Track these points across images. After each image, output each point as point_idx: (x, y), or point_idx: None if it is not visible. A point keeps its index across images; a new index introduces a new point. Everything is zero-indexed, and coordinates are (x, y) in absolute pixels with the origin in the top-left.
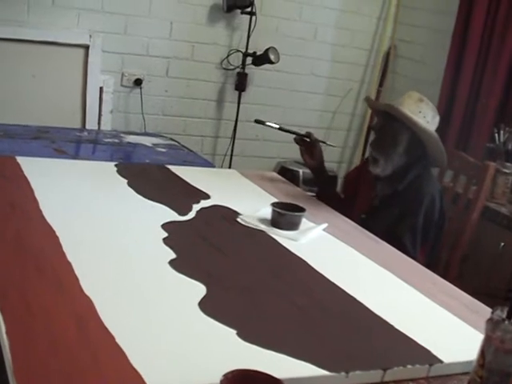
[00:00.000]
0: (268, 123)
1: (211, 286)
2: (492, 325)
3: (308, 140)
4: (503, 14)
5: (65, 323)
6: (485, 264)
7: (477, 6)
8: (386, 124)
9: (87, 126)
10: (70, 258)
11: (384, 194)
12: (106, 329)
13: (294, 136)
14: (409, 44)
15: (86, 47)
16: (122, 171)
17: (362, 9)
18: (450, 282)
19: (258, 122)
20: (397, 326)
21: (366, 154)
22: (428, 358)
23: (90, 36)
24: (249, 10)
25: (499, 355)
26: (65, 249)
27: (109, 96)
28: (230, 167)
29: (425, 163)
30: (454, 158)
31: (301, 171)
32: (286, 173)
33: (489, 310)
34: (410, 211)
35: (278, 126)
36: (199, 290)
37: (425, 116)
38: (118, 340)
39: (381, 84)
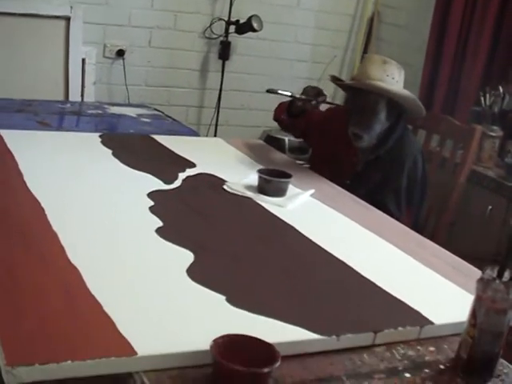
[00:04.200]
0: (280, 91)
1: (199, 253)
2: (483, 284)
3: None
4: None
5: (52, 293)
6: (473, 228)
7: None
8: (360, 99)
9: (70, 98)
10: (55, 228)
11: (367, 160)
12: (93, 297)
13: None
14: (393, 10)
15: (67, 19)
16: (106, 142)
17: None
18: (438, 244)
19: (269, 91)
20: (387, 289)
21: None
22: (419, 319)
23: (71, 7)
24: None
25: (491, 315)
26: (50, 220)
27: (91, 67)
28: (215, 137)
29: (403, 124)
30: (440, 122)
31: (286, 139)
32: (272, 141)
33: (477, 271)
34: (393, 174)
35: (290, 94)
36: (187, 257)
37: (393, 77)
38: (105, 308)
39: (365, 50)
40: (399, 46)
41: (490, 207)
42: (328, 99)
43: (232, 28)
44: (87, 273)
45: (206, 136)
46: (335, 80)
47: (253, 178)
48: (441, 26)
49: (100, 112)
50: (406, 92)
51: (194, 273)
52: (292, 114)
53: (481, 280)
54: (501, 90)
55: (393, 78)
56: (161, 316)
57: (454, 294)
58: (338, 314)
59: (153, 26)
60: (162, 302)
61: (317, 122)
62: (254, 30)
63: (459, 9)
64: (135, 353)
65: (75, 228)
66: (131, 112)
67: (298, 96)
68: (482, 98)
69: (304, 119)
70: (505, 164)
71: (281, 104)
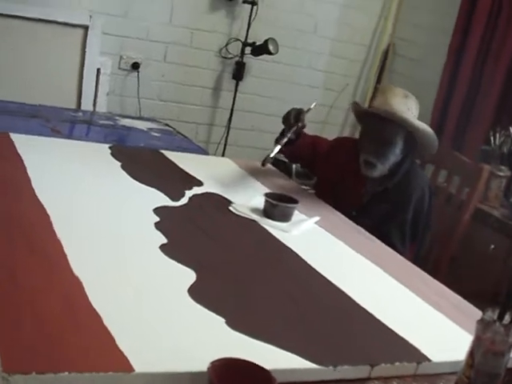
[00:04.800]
0: (271, 155)
1: (201, 273)
2: (483, 325)
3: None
4: (504, 18)
5: (52, 302)
6: (474, 265)
7: (478, 9)
8: (380, 128)
9: (82, 107)
10: (60, 236)
11: (374, 191)
12: (93, 309)
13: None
14: (408, 43)
15: (86, 28)
16: (115, 153)
17: (363, 5)
18: (438, 281)
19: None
20: (386, 323)
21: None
22: (416, 355)
23: (91, 16)
24: None
25: (488, 356)
26: (55, 227)
27: (106, 78)
28: (223, 156)
29: (412, 157)
30: (449, 158)
31: (294, 164)
32: (280, 165)
33: (478, 311)
34: (400, 207)
35: (279, 148)
36: (189, 276)
37: (412, 112)
38: (105, 321)
39: (378, 81)
40: (412, 79)
41: (493, 246)
42: (351, 122)
43: (248, 49)
44: (89, 284)
45: (215, 155)
46: (357, 107)
47: (259, 201)
48: (455, 62)
49: (111, 123)
50: (429, 128)
51: (195, 293)
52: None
53: (481, 321)
54: (511, 130)
55: (412, 113)
56: (160, 334)
57: (453, 332)
58: (336, 344)
59: (169, 41)
60: (162, 320)
61: (323, 152)
62: (270, 53)
63: (474, 47)
64: (132, 369)
65: (79, 238)
66: (142, 125)
67: (281, 137)
68: (492, 138)
69: (310, 149)
70: (510, 204)
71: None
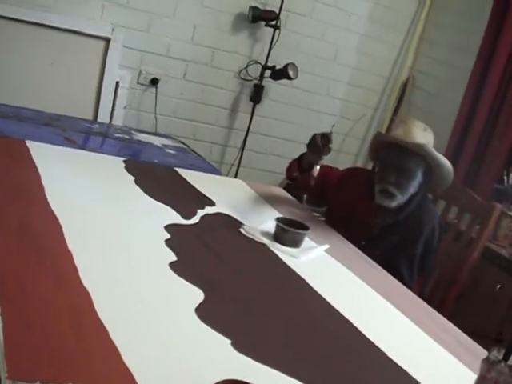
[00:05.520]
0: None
1: (209, 293)
2: (487, 365)
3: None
4: None
5: (60, 313)
6: (479, 304)
7: (499, 48)
8: (404, 158)
9: (99, 119)
10: (71, 247)
11: (384, 224)
12: (100, 322)
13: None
14: (427, 76)
15: (108, 40)
16: (130, 168)
17: (384, 36)
18: (444, 316)
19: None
20: (389, 355)
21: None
22: None
23: (113, 29)
24: (273, 23)
25: None
26: (67, 238)
27: (124, 92)
28: (236, 177)
29: (425, 191)
30: (461, 195)
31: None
32: (292, 189)
33: (482, 349)
34: (410, 240)
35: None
36: (197, 295)
37: (431, 145)
38: (111, 335)
39: (395, 112)
40: (429, 112)
41: (500, 286)
42: (365, 152)
43: (267, 72)
44: (97, 297)
45: (227, 175)
46: (382, 136)
47: (270, 225)
48: (473, 98)
49: (126, 137)
50: (448, 162)
51: (202, 312)
52: (303, 168)
53: (486, 360)
54: None
55: (431, 147)
56: (165, 351)
57: (455, 368)
58: (339, 375)
59: (190, 59)
60: (168, 338)
61: (334, 182)
62: (289, 78)
63: (493, 85)
64: None
65: (90, 250)
66: (157, 141)
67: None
68: (506, 177)
69: (319, 180)
70: None
71: (291, 163)
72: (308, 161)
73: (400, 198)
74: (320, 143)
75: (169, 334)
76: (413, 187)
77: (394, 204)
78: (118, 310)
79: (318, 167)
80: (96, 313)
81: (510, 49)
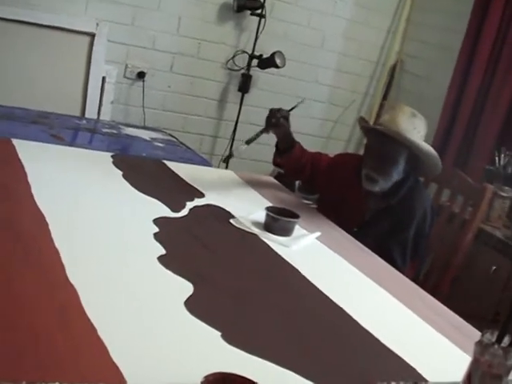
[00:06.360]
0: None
1: (199, 286)
2: (481, 348)
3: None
4: None
5: (47, 311)
6: (475, 286)
7: (486, 27)
8: (384, 145)
9: (87, 115)
10: (57, 245)
11: (376, 209)
12: (88, 320)
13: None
14: (415, 59)
15: (92, 35)
16: (117, 163)
17: (371, 21)
18: (439, 300)
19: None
20: (384, 342)
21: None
22: (413, 375)
23: (97, 24)
24: (259, 11)
25: (486, 379)
26: (53, 235)
27: (111, 86)
28: (226, 168)
29: (416, 175)
30: (453, 178)
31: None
32: (282, 179)
33: (476, 331)
34: (402, 225)
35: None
36: (186, 288)
37: (419, 131)
38: (99, 333)
39: (384, 97)
40: (419, 96)
41: (494, 267)
42: (355, 138)
43: (254, 62)
44: (85, 294)
45: (218, 167)
46: (363, 122)
47: (260, 215)
48: (461, 80)
49: (115, 132)
50: (432, 150)
51: (192, 305)
52: (280, 151)
53: (479, 343)
54: None
55: (418, 132)
56: (154, 346)
57: (451, 352)
58: (332, 363)
59: (176, 51)
60: (157, 333)
61: (324, 168)
62: (277, 66)
63: (481, 66)
64: (125, 382)
65: (77, 247)
66: (145, 135)
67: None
68: (497, 158)
69: (309, 165)
70: None
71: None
72: (278, 139)
73: (382, 183)
74: (276, 116)
75: (158, 328)
76: (396, 173)
77: (377, 189)
78: (106, 307)
79: (297, 146)
80: (84, 310)
81: (496, 28)
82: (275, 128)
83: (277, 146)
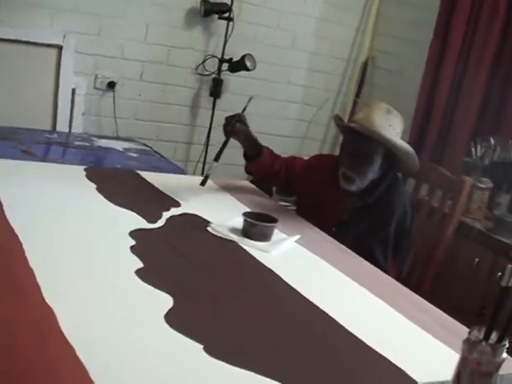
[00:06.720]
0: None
1: (178, 298)
2: (468, 346)
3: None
4: (483, 28)
5: (23, 332)
6: (458, 280)
7: (456, 19)
8: (359, 143)
9: (58, 129)
10: (32, 264)
11: (354, 207)
12: (66, 340)
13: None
14: (387, 55)
15: (59, 48)
16: (91, 176)
17: (341, 18)
18: (423, 296)
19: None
20: (370, 344)
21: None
22: (401, 378)
23: (64, 36)
24: (226, 15)
25: (475, 378)
26: (28, 255)
27: (81, 98)
28: (202, 174)
29: (394, 173)
30: (431, 172)
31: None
32: (260, 183)
33: (463, 327)
34: (382, 222)
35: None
36: (166, 301)
37: (395, 128)
38: (78, 352)
39: (357, 94)
40: (392, 91)
41: (477, 259)
42: (330, 137)
43: (225, 66)
44: (62, 314)
45: (194, 173)
46: (338, 120)
47: (238, 221)
48: (434, 74)
49: (87, 144)
50: (409, 148)
51: (172, 319)
52: (249, 157)
53: (467, 341)
54: (492, 141)
55: (394, 129)
56: (136, 363)
57: (439, 351)
58: (318, 370)
59: (145, 59)
60: (138, 349)
61: (300, 172)
62: (247, 69)
63: (453, 58)
64: None
65: (53, 265)
66: (118, 146)
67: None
68: (473, 149)
69: (283, 173)
70: (494, 216)
71: None
72: (242, 145)
73: (358, 183)
74: (232, 123)
75: (138, 345)
76: (372, 172)
77: (353, 188)
78: (84, 326)
79: (265, 151)
80: (61, 330)
81: (467, 19)
82: (234, 135)
83: (245, 153)
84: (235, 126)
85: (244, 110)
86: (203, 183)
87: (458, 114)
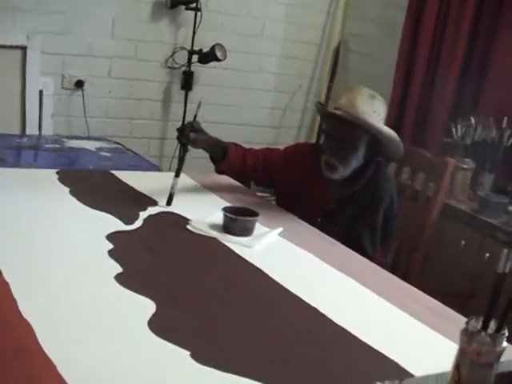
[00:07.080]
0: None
1: (161, 303)
2: (467, 336)
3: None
4: (456, 5)
5: (2, 350)
6: (447, 263)
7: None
8: (343, 130)
9: (27, 132)
10: (7, 277)
11: (340, 196)
12: (46, 356)
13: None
14: (359, 38)
15: (24, 48)
16: (63, 179)
17: (310, 3)
18: (411, 282)
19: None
20: (361, 338)
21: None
22: (398, 372)
23: (28, 37)
24: (193, 5)
25: (475, 369)
26: (1, 267)
27: (49, 99)
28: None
29: (379, 160)
30: (412, 155)
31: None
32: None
33: (458, 315)
34: (369, 210)
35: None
36: (148, 306)
37: (379, 114)
38: (59, 368)
39: (331, 79)
40: (366, 74)
41: (464, 242)
42: (307, 123)
43: (195, 57)
44: (40, 328)
45: (169, 169)
46: (321, 107)
47: (217, 217)
48: (409, 55)
49: (58, 146)
50: (394, 134)
51: (156, 325)
52: (216, 160)
53: (465, 331)
54: (472, 121)
55: (378, 115)
56: (121, 375)
57: (433, 341)
58: (310, 370)
59: (113, 55)
60: (122, 359)
61: (278, 163)
62: (218, 60)
63: (428, 37)
64: None
65: (28, 277)
66: (91, 146)
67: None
68: (454, 130)
69: (262, 163)
70: (478, 197)
71: None
72: (208, 152)
73: (342, 171)
74: (184, 134)
75: (122, 354)
76: (356, 159)
77: (336, 176)
78: (64, 340)
79: (231, 148)
80: (40, 346)
81: None
82: (192, 145)
83: (211, 157)
84: (189, 137)
85: (195, 117)
86: (169, 203)
87: (436, 94)
